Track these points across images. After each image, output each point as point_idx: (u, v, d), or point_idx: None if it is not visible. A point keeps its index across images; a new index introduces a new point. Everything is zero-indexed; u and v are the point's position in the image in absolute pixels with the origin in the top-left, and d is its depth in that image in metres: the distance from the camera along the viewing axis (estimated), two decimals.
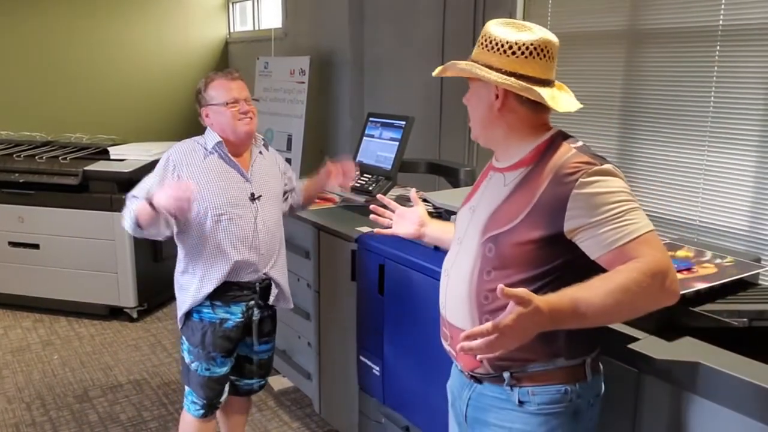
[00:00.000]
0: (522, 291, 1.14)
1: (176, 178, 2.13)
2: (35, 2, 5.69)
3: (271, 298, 2.30)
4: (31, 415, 3.14)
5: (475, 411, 1.49)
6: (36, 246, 4.21)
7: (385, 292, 2.34)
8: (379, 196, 1.99)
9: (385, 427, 2.45)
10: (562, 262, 1.34)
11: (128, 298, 4.16)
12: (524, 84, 1.35)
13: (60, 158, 4.23)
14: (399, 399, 2.36)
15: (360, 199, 2.81)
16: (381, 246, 2.32)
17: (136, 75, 6.29)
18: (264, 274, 2.25)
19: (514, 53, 1.36)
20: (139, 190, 2.16)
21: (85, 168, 4.11)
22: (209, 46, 6.69)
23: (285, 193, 2.45)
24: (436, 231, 1.83)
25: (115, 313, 4.27)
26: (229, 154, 2.20)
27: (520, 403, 1.40)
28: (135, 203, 2.08)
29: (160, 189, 2.01)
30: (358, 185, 2.87)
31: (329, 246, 2.63)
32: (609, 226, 1.26)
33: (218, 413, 2.43)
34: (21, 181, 4.17)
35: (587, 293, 1.21)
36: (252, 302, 2.26)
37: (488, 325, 1.14)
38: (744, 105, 2.54)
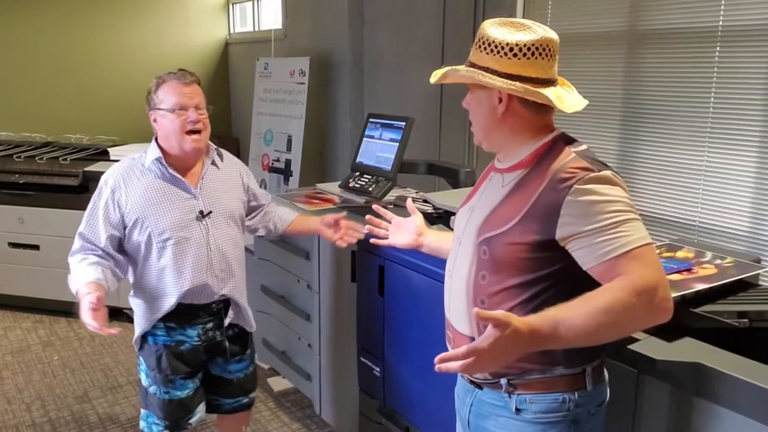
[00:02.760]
0: (500, 314, 1.11)
1: (116, 207, 1.98)
2: (35, 2, 5.69)
3: (227, 320, 2.15)
4: (31, 416, 3.14)
5: (476, 417, 1.47)
6: (36, 247, 4.21)
7: (385, 294, 2.34)
8: (375, 206, 1.93)
9: (386, 428, 2.45)
10: (558, 268, 1.29)
11: (128, 299, 4.14)
12: (529, 87, 1.28)
13: (60, 159, 4.23)
14: (399, 400, 2.36)
15: (360, 200, 2.81)
16: (381, 247, 2.32)
17: (136, 75, 6.26)
18: (221, 295, 2.10)
19: (515, 55, 1.29)
20: (87, 228, 2.00)
21: (85, 169, 4.11)
22: (209, 47, 6.69)
23: (252, 210, 2.30)
24: (435, 241, 1.78)
25: (114, 314, 4.26)
26: (171, 169, 2.01)
27: (517, 410, 1.37)
28: (77, 272, 1.91)
29: (83, 304, 1.77)
30: (358, 186, 2.88)
31: (329, 247, 2.63)
32: (602, 236, 1.21)
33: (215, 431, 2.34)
34: (21, 182, 4.17)
35: (569, 314, 1.16)
36: (210, 324, 2.12)
37: (463, 349, 1.11)
38: (744, 106, 2.54)
